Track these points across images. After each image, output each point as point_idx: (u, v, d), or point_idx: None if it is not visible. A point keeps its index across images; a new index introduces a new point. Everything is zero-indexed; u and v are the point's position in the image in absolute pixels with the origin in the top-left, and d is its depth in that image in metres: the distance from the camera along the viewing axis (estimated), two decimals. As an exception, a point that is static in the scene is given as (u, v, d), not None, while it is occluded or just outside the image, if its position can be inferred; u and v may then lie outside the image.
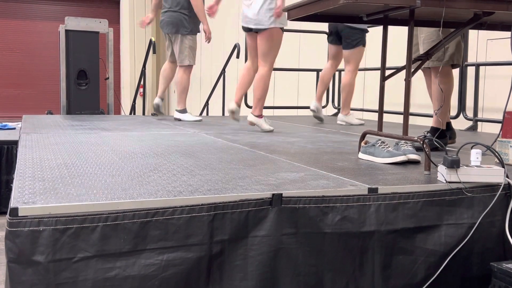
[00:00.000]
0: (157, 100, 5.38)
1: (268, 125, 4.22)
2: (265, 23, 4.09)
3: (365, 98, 6.69)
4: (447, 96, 3.22)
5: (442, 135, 3.21)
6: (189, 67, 5.29)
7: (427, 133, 3.43)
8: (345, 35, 5.00)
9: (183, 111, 5.23)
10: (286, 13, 2.88)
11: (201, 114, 9.05)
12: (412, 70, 2.62)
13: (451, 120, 3.55)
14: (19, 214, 1.55)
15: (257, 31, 4.20)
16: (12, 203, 1.60)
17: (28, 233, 1.53)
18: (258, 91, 4.20)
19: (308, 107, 7.01)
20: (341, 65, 6.58)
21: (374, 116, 6.18)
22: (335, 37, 5.16)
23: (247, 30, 4.30)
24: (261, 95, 4.20)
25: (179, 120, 5.19)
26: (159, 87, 5.51)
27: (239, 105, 4.34)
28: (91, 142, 3.19)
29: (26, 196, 1.70)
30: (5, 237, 1.54)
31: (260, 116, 4.23)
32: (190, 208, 1.72)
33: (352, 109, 6.47)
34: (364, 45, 5.06)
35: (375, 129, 2.82)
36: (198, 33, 5.33)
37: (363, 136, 2.85)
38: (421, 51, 3.15)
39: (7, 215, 1.56)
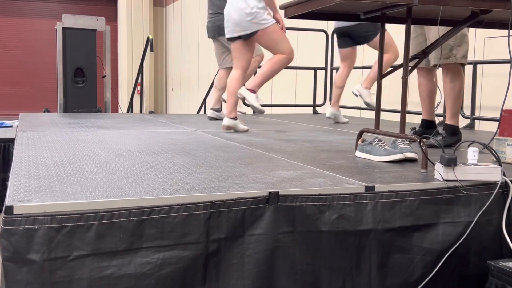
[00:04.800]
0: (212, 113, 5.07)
1: (243, 124, 3.99)
2: (252, 27, 3.82)
3: (362, 96, 6.67)
4: (458, 95, 3.20)
5: (455, 132, 3.21)
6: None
7: (414, 129, 3.45)
8: (360, 32, 4.69)
9: (219, 110, 5.12)
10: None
11: (198, 112, 9.04)
12: (409, 68, 2.61)
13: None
14: (14, 212, 1.54)
15: (246, 38, 3.92)
16: (7, 201, 1.59)
17: (23, 232, 1.53)
18: (265, 68, 3.90)
19: (306, 105, 7.04)
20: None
21: (371, 114, 6.18)
22: (346, 40, 4.85)
23: (232, 40, 3.99)
24: (267, 74, 3.90)
25: (215, 119, 5.02)
26: (215, 98, 5.13)
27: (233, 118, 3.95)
28: (87, 140, 3.18)
29: (21, 194, 1.69)
30: (0, 235, 1.53)
31: (253, 91, 3.89)
32: (187, 207, 1.71)
33: (349, 107, 6.45)
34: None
35: (372, 127, 2.82)
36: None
37: (360, 134, 2.85)
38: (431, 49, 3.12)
39: (2, 213, 1.55)
